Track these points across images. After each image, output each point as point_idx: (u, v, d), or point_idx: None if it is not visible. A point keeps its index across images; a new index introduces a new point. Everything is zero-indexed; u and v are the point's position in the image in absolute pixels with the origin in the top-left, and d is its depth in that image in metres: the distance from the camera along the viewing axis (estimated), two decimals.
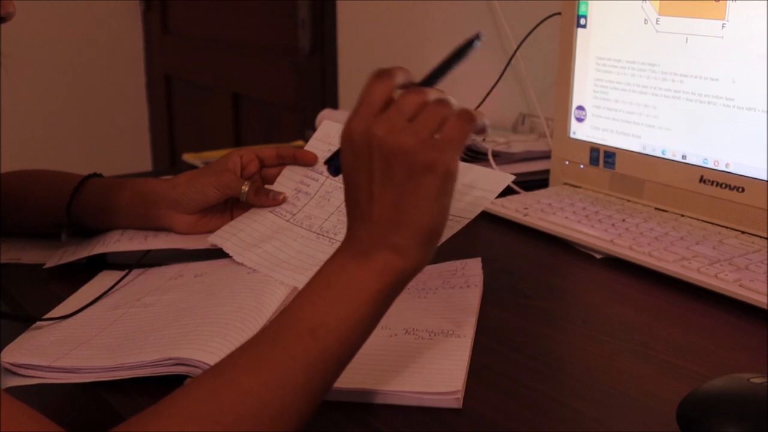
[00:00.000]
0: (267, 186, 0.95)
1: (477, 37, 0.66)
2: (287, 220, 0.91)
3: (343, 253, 0.60)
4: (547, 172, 1.22)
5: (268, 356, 0.56)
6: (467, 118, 0.60)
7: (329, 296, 0.58)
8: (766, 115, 0.96)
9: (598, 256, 0.98)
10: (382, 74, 0.61)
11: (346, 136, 0.60)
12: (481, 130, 0.62)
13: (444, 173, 0.58)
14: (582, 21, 1.14)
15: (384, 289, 0.58)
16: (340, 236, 0.87)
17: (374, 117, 0.59)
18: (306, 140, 0.98)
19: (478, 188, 0.84)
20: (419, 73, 0.67)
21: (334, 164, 0.66)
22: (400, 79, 0.61)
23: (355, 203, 0.61)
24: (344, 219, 0.88)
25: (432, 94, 0.61)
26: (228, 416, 0.53)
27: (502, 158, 1.27)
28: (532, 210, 1.08)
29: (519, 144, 1.32)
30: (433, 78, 0.66)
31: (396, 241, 0.58)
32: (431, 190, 0.58)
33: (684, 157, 1.05)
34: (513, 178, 0.86)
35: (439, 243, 0.61)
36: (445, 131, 0.59)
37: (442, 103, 0.60)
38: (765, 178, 0.96)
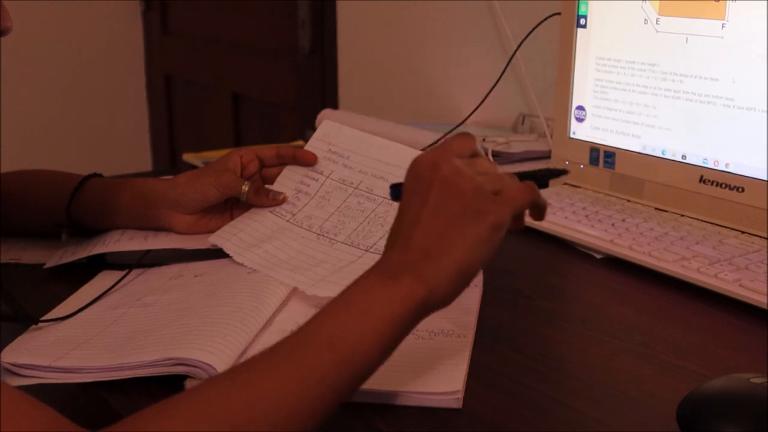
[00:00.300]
0: (267, 186, 0.95)
1: (564, 171, 0.72)
2: (287, 221, 0.91)
3: (371, 273, 0.61)
4: None
5: (284, 364, 0.56)
6: (531, 188, 0.63)
7: (351, 311, 0.58)
8: (766, 115, 0.96)
9: (598, 256, 0.98)
10: (469, 135, 0.65)
11: (415, 162, 0.63)
12: (541, 211, 0.65)
13: (493, 224, 0.60)
14: (582, 21, 1.14)
15: (405, 315, 0.59)
16: (341, 236, 0.87)
17: (446, 156, 0.62)
18: (306, 140, 0.98)
19: None
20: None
21: (397, 188, 0.66)
22: (480, 148, 0.66)
23: (399, 226, 0.62)
24: (344, 219, 0.89)
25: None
26: (239, 417, 0.53)
27: (502, 158, 1.27)
28: None
29: (519, 144, 1.32)
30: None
31: (425, 271, 0.59)
32: (476, 236, 0.60)
33: (684, 157, 1.05)
34: None
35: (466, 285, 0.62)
36: (508, 191, 0.62)
37: (508, 174, 0.64)
38: (765, 178, 0.96)
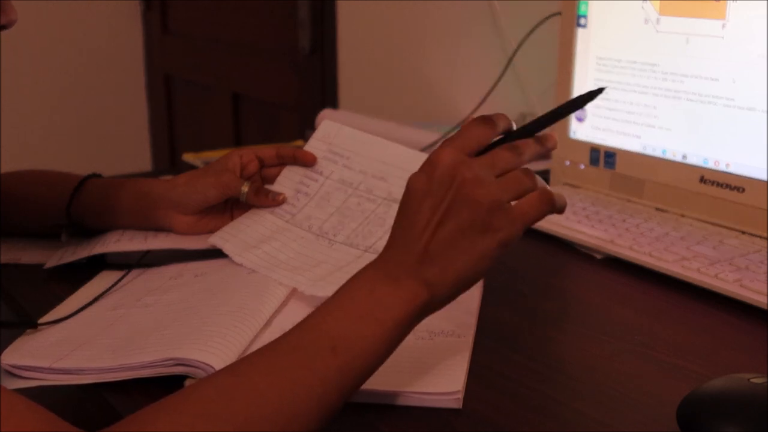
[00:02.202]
0: (267, 186, 0.95)
1: (600, 90, 0.65)
2: (287, 221, 0.91)
3: (375, 271, 0.60)
4: (547, 172, 1.22)
5: (286, 364, 0.56)
6: (548, 199, 0.62)
7: (354, 313, 0.58)
8: (766, 115, 0.96)
9: (599, 256, 0.98)
10: (487, 120, 0.63)
11: (433, 160, 0.61)
12: (560, 211, 0.64)
13: (503, 241, 0.60)
14: (582, 21, 1.14)
15: (407, 318, 0.59)
16: (340, 237, 0.87)
17: (466, 156, 0.61)
18: (306, 140, 0.98)
19: None
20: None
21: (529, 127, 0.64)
22: (501, 127, 0.63)
23: (408, 224, 0.61)
24: (343, 219, 0.88)
25: (527, 151, 0.63)
26: (240, 416, 0.53)
27: None
28: None
29: None
30: (536, 126, 0.66)
31: (429, 276, 0.59)
32: (483, 249, 0.60)
33: (684, 157, 1.05)
34: None
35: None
36: (523, 205, 0.61)
37: (529, 174, 0.62)
38: (765, 178, 0.96)
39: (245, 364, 0.57)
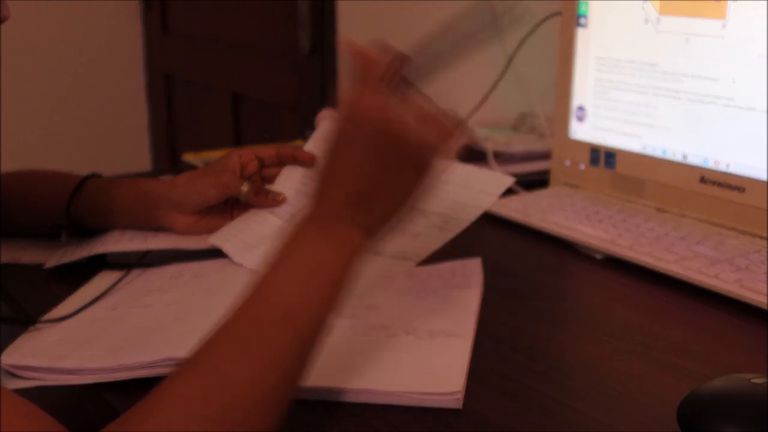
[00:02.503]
0: (267, 186, 0.95)
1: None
2: (287, 221, 0.91)
3: (312, 228, 0.60)
4: (547, 172, 1.22)
5: (249, 345, 0.56)
6: (453, 125, 0.65)
7: (302, 278, 0.58)
8: (766, 115, 0.96)
9: (599, 257, 0.98)
10: (384, 47, 0.64)
11: (357, 104, 0.61)
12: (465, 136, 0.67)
13: (428, 174, 0.62)
14: (582, 21, 1.14)
15: (351, 269, 0.60)
16: None
17: (386, 97, 0.61)
18: (306, 140, 0.98)
19: (478, 190, 0.84)
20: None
21: None
22: (391, 52, 0.65)
23: (338, 170, 0.61)
24: None
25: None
26: (214, 408, 0.53)
27: (502, 158, 1.27)
28: (532, 210, 1.08)
29: (519, 144, 1.32)
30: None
31: (363, 220, 0.60)
32: (411, 184, 0.62)
33: (684, 157, 1.05)
34: (513, 180, 0.86)
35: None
36: (440, 136, 0.63)
37: (444, 113, 0.65)
38: (765, 178, 0.96)
39: (208, 351, 0.56)
